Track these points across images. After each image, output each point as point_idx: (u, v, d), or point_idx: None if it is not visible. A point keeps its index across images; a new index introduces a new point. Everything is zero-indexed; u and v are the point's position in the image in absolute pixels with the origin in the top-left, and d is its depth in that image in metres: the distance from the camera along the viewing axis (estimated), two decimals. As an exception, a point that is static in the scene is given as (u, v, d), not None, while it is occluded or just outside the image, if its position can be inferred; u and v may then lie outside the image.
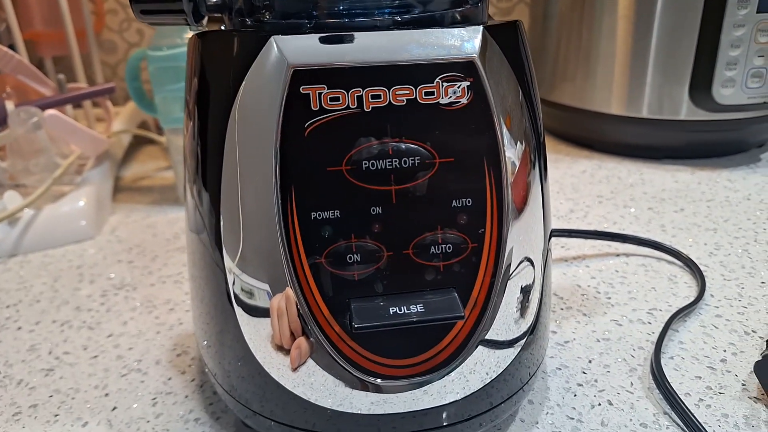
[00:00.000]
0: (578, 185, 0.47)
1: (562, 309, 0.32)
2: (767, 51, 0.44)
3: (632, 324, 0.30)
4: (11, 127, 0.42)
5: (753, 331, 0.29)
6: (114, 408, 0.26)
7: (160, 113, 0.44)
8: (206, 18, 0.22)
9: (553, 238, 0.37)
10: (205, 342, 0.24)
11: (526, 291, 0.22)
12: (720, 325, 0.30)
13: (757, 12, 0.43)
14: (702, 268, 0.34)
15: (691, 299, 0.32)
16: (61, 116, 0.41)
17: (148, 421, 0.25)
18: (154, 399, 0.26)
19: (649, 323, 0.30)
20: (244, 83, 0.19)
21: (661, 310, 0.31)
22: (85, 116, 0.53)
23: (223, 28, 0.23)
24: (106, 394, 0.27)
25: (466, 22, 0.21)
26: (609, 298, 0.33)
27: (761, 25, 0.43)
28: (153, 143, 0.60)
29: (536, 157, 0.22)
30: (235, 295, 0.21)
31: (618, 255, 0.37)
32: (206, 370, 0.24)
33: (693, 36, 0.45)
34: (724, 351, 0.28)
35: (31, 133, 0.42)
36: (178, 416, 0.25)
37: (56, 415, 0.26)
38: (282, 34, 0.19)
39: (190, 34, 0.39)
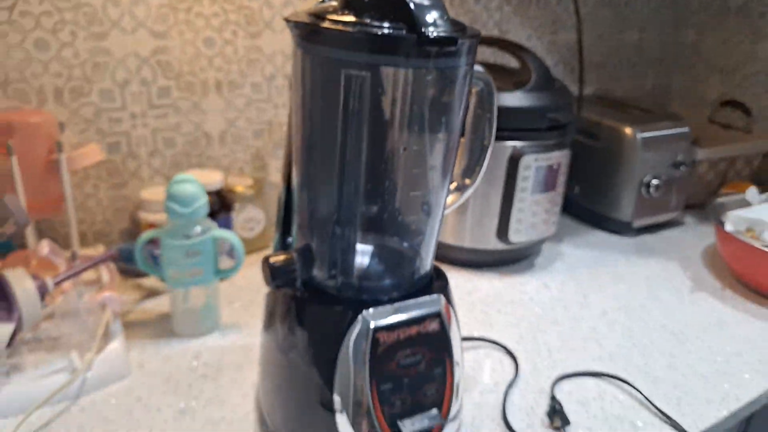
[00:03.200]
0: (440, 296, 0.77)
1: (453, 388, 0.60)
2: (536, 213, 0.79)
3: (485, 395, 0.59)
4: (64, 303, 0.56)
5: (542, 390, 0.61)
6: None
7: (168, 279, 0.63)
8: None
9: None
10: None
11: (458, 383, 0.48)
12: (527, 388, 0.61)
13: (531, 194, 0.77)
14: (516, 354, 0.66)
15: (513, 377, 0.62)
16: (114, 296, 0.58)
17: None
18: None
19: (494, 393, 0.60)
20: (347, 334, 0.43)
21: (498, 382, 0.61)
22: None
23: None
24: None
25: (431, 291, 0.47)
26: (476, 377, 0.62)
27: (532, 199, 0.78)
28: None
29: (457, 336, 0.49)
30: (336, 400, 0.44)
31: (476, 348, 0.66)
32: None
33: (497, 202, 0.78)
34: (532, 402, 0.59)
35: (75, 305, 0.58)
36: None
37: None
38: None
39: (198, 228, 0.60)
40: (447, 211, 0.50)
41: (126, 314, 0.69)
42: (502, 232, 0.79)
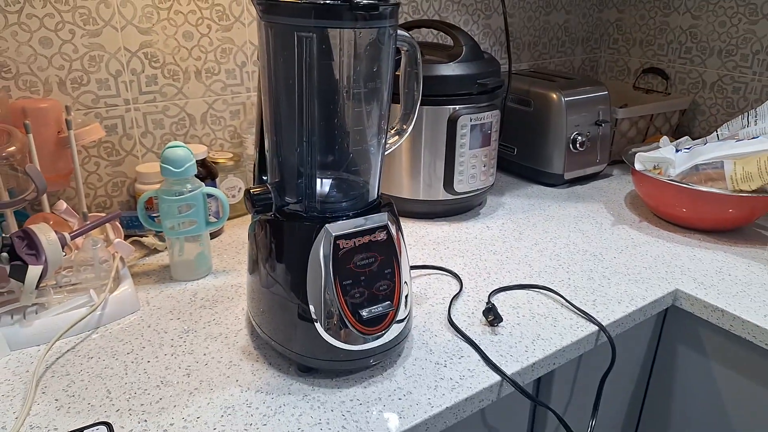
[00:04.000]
0: (398, 240, 0.90)
1: (414, 304, 0.73)
2: (475, 165, 0.93)
3: (435, 306, 0.73)
4: (83, 250, 0.68)
5: (481, 300, 0.74)
6: (236, 380, 0.60)
7: (165, 230, 0.75)
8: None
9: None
10: (275, 337, 0.59)
11: (407, 296, 0.62)
12: (469, 299, 0.74)
13: (469, 149, 0.91)
14: (461, 275, 0.79)
15: (457, 291, 0.76)
16: (123, 243, 0.70)
17: (256, 381, 0.59)
18: (252, 372, 0.60)
19: (442, 304, 0.73)
20: (314, 243, 0.56)
21: (446, 297, 0.75)
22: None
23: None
24: (227, 377, 0.60)
25: (379, 211, 0.60)
26: (427, 295, 0.75)
27: (470, 154, 0.92)
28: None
29: (404, 247, 0.62)
30: (309, 294, 0.57)
31: (428, 275, 0.80)
32: (276, 349, 0.60)
33: (441, 158, 0.91)
34: (472, 309, 0.72)
35: (92, 253, 0.69)
36: (268, 375, 0.60)
37: (211, 389, 0.58)
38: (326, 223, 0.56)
39: (188, 186, 0.74)
40: (389, 150, 0.64)
41: (130, 267, 0.81)
42: (448, 183, 0.92)
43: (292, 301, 0.58)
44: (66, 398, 0.57)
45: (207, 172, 0.87)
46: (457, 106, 0.89)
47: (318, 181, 0.59)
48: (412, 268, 0.81)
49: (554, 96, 1.06)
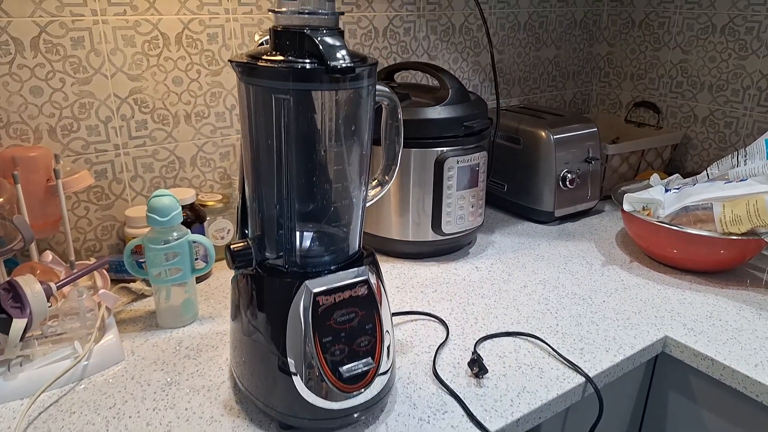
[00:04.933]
0: (386, 281, 0.90)
1: (397, 352, 0.73)
2: (463, 206, 0.93)
3: (420, 355, 0.73)
4: (69, 300, 0.69)
5: (467, 348, 0.74)
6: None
7: (151, 278, 0.75)
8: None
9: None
10: (257, 394, 0.59)
11: (389, 347, 0.62)
12: (455, 348, 0.74)
13: (456, 191, 0.91)
14: (448, 321, 0.79)
15: (443, 339, 0.75)
16: (108, 293, 0.70)
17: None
18: (232, 429, 0.60)
19: (427, 353, 0.73)
20: (294, 299, 0.56)
21: (432, 345, 0.74)
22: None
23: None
24: (208, 427, 0.60)
25: (360, 264, 0.60)
26: (412, 343, 0.75)
27: (458, 195, 0.92)
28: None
29: (386, 298, 0.62)
30: (288, 352, 0.57)
31: (414, 321, 0.80)
32: (257, 406, 0.59)
33: (429, 200, 0.92)
34: (457, 359, 0.72)
35: (78, 303, 0.70)
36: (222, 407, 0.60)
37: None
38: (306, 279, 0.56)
39: (174, 234, 0.74)
40: (370, 203, 0.64)
41: (117, 313, 0.81)
42: (436, 224, 0.92)
43: (272, 352, 0.57)
44: (44, 457, 0.56)
45: (195, 215, 0.87)
46: (444, 149, 0.89)
47: (298, 234, 0.59)
48: (399, 314, 0.81)
49: (543, 134, 1.06)
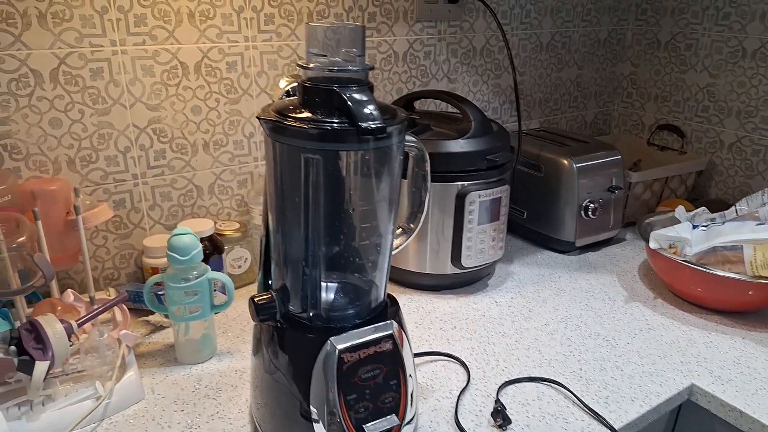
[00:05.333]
0: (404, 314, 0.89)
1: (417, 395, 0.72)
2: (484, 240, 0.91)
3: (442, 401, 0.71)
4: (90, 338, 0.68)
5: (489, 394, 0.73)
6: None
7: (171, 314, 0.74)
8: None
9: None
10: None
11: (411, 393, 0.60)
12: (477, 393, 0.73)
13: (477, 225, 0.90)
14: (469, 363, 0.78)
15: (464, 383, 0.74)
16: (129, 333, 0.69)
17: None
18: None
19: (449, 399, 0.72)
20: (319, 355, 0.55)
21: (452, 390, 0.73)
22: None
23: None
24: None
25: (385, 317, 0.59)
26: (433, 387, 0.74)
27: (479, 229, 0.90)
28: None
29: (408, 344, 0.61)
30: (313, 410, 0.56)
31: (434, 362, 0.79)
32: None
33: (449, 233, 0.90)
34: (479, 406, 0.71)
35: (97, 342, 0.69)
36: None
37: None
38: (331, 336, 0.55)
39: (195, 273, 0.73)
40: (395, 251, 0.63)
41: (137, 347, 0.80)
42: (456, 258, 0.91)
43: (294, 396, 0.56)
44: None
45: (213, 247, 0.86)
46: (466, 183, 0.88)
47: (323, 285, 0.58)
48: (419, 354, 0.79)
49: (565, 162, 1.05)
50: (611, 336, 0.85)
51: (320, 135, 0.50)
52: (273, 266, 0.60)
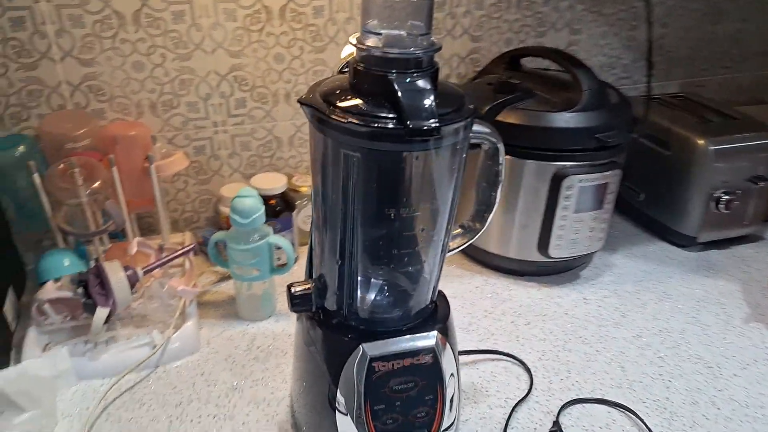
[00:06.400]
0: (474, 300, 0.82)
1: (466, 398, 0.66)
2: (579, 230, 0.80)
3: (494, 409, 0.65)
4: (150, 290, 0.70)
5: (550, 411, 0.65)
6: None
7: (233, 273, 0.74)
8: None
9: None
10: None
11: (452, 397, 0.55)
12: (536, 406, 0.65)
13: (574, 213, 0.78)
14: (533, 369, 0.70)
15: (524, 393, 0.67)
16: (187, 289, 0.71)
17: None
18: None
19: (502, 408, 0.65)
20: (349, 359, 0.51)
21: (509, 398, 0.66)
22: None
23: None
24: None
25: (429, 328, 0.53)
26: (488, 390, 0.67)
27: (575, 218, 0.79)
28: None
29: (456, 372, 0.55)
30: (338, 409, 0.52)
31: (492, 360, 0.72)
32: None
33: (539, 218, 0.80)
34: (536, 424, 0.63)
35: (159, 292, 0.71)
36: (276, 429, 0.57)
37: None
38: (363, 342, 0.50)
39: (256, 236, 0.70)
40: (451, 253, 0.55)
41: (203, 294, 0.82)
42: (543, 246, 0.81)
43: (325, 378, 0.53)
44: (108, 454, 0.59)
45: (285, 204, 0.84)
46: (566, 164, 0.76)
47: (361, 285, 0.53)
48: (479, 352, 0.73)
49: (700, 142, 0.87)
50: (716, 362, 0.72)
51: (362, 132, 0.43)
52: (314, 256, 0.55)
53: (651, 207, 0.97)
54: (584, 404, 0.66)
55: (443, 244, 0.53)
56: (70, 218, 0.74)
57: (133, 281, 0.70)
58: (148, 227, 0.88)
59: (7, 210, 0.75)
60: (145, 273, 0.72)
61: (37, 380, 0.62)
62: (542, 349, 0.74)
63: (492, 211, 0.55)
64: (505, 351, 0.72)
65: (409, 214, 0.48)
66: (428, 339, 0.52)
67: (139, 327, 0.72)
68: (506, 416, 0.64)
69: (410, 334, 0.52)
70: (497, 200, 0.55)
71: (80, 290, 0.68)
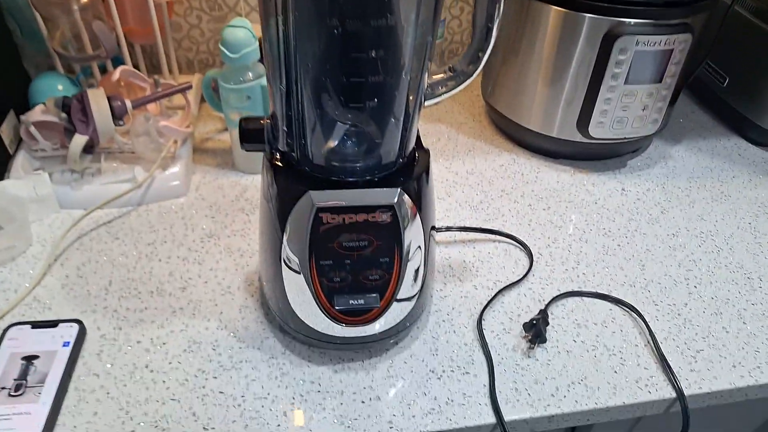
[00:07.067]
0: (493, 179, 0.72)
1: (452, 275, 0.59)
2: (629, 106, 0.67)
3: (479, 290, 0.58)
4: (136, 125, 0.67)
5: (542, 300, 0.57)
6: (221, 312, 0.55)
7: (226, 117, 0.68)
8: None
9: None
10: (265, 282, 0.52)
11: (417, 269, 0.49)
12: (528, 293, 0.58)
13: (625, 84, 0.65)
14: (536, 256, 0.61)
15: (521, 276, 0.59)
16: (172, 127, 0.66)
17: (237, 321, 0.54)
18: (239, 308, 0.55)
19: (490, 290, 0.58)
20: (296, 207, 0.45)
21: (499, 281, 0.59)
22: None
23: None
24: (216, 305, 0.56)
25: (393, 185, 0.45)
26: (479, 270, 0.60)
27: (626, 90, 0.65)
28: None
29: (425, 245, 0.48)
30: (284, 260, 0.48)
31: (493, 242, 0.64)
32: (265, 295, 0.53)
33: (583, 88, 0.67)
34: (523, 311, 0.56)
35: (146, 127, 0.67)
36: (251, 319, 0.54)
37: (193, 315, 0.55)
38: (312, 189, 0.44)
39: (249, 74, 0.63)
40: (432, 102, 0.46)
41: (204, 141, 0.78)
42: (583, 122, 0.69)
43: (276, 234, 0.48)
44: (74, 278, 0.58)
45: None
46: (624, 20, 0.61)
47: (316, 126, 0.45)
48: (479, 230, 0.64)
49: (816, 13, 0.68)
50: (759, 274, 0.60)
51: None
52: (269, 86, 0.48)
53: (734, 95, 0.80)
54: (583, 297, 0.58)
55: (419, 84, 0.43)
56: (66, 42, 0.70)
57: (119, 112, 0.66)
58: (160, 66, 0.83)
59: (14, 32, 0.73)
60: (136, 107, 0.68)
61: (14, 200, 0.62)
62: (554, 237, 0.64)
63: (488, 49, 0.45)
64: (511, 234, 0.64)
65: (359, 28, 0.38)
66: (387, 195, 0.45)
67: (126, 163, 0.70)
68: (488, 299, 0.57)
69: (368, 187, 0.45)
70: (494, 35, 0.44)
71: (64, 115, 0.65)
